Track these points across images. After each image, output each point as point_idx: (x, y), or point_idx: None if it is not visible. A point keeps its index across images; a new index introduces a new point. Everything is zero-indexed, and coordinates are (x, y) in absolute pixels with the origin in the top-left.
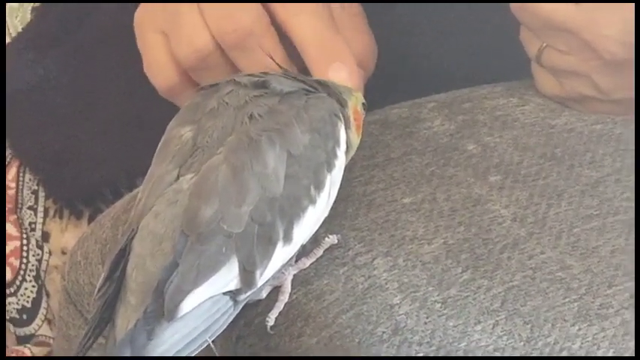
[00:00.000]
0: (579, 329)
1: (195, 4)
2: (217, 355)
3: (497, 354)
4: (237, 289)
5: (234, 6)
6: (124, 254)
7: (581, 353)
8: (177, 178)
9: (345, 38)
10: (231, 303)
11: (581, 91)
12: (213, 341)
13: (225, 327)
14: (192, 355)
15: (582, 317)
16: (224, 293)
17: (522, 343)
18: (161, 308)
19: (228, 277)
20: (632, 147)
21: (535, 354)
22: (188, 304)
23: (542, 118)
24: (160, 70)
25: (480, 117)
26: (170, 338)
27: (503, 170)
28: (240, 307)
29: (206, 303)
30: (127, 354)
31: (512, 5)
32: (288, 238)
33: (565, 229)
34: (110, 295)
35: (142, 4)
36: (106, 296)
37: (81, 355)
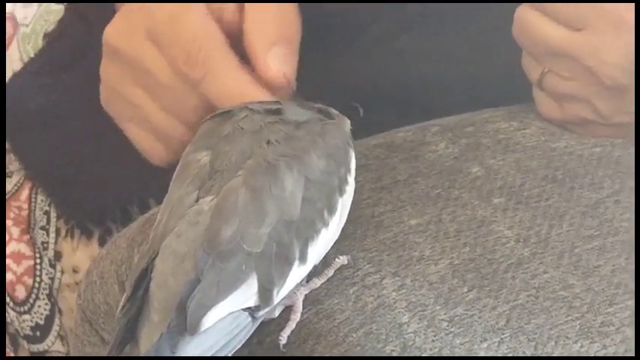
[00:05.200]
0: (581, 346)
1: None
2: None
3: None
4: (255, 306)
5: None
6: (145, 274)
7: None
8: (197, 200)
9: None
10: (249, 319)
11: (581, 115)
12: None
13: (243, 342)
14: None
15: (584, 335)
16: (243, 309)
17: None
18: (184, 323)
19: (247, 293)
20: (632, 169)
21: None
22: (210, 318)
23: (543, 142)
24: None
25: (483, 140)
26: (192, 352)
27: (507, 192)
28: (258, 323)
29: (227, 318)
30: None
31: (514, 31)
32: (303, 258)
33: (567, 249)
34: (133, 314)
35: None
36: (128, 315)
37: None
